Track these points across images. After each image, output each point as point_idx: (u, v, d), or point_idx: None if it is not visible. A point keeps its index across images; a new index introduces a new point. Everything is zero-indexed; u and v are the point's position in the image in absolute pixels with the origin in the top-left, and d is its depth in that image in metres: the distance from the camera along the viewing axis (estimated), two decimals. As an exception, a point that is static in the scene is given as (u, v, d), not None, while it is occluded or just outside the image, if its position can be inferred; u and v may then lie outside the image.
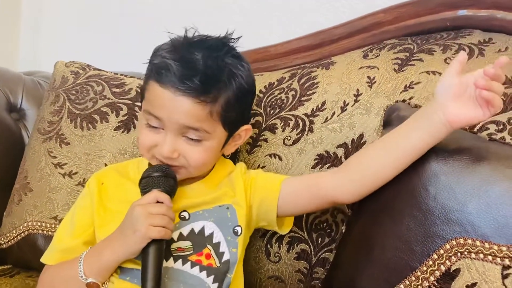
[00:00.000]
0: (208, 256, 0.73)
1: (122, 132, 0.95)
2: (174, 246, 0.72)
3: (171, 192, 0.70)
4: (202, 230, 0.73)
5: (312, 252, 0.83)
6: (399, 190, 0.68)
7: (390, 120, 0.76)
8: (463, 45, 0.86)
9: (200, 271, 0.72)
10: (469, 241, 0.60)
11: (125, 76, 1.03)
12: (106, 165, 0.94)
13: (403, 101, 0.80)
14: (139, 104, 0.96)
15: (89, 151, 0.95)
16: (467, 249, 0.60)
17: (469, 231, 0.60)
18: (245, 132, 0.80)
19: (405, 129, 0.69)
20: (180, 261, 0.71)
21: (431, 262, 0.62)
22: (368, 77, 0.88)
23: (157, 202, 0.68)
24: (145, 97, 0.74)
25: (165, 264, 0.70)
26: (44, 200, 0.95)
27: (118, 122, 0.96)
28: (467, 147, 0.67)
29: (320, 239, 0.83)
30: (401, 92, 0.83)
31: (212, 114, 0.71)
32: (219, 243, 0.74)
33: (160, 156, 0.72)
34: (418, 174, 0.66)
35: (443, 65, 0.83)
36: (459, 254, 0.60)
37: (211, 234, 0.74)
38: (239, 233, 0.75)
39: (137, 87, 0.99)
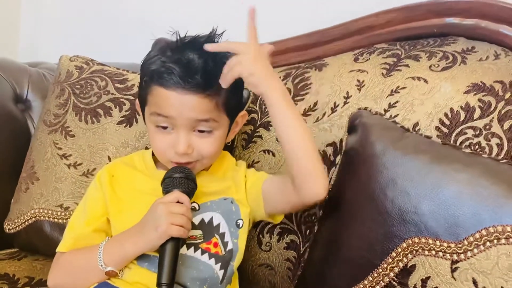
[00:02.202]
0: (215, 245, 0.78)
1: (125, 126, 1.00)
2: None
3: (190, 193, 0.75)
4: (211, 220, 0.79)
5: (301, 243, 0.89)
6: (361, 195, 0.74)
7: (354, 126, 0.81)
8: (448, 52, 0.91)
9: (209, 258, 0.77)
10: (423, 240, 0.66)
11: (127, 71, 1.08)
12: (109, 157, 0.98)
13: (365, 108, 0.86)
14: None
15: (93, 143, 1.00)
16: (421, 247, 0.66)
17: (423, 230, 0.66)
18: (242, 118, 0.86)
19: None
20: (192, 248, 0.77)
21: (390, 260, 0.68)
22: (358, 81, 0.93)
23: (178, 202, 0.73)
24: (149, 102, 0.78)
25: None
26: (50, 189, 0.99)
27: (121, 117, 1.01)
28: (421, 150, 0.72)
29: (308, 231, 0.88)
30: (387, 96, 0.88)
31: (218, 105, 0.76)
32: (224, 233, 0.79)
33: (176, 156, 0.77)
34: (376, 180, 0.72)
35: (427, 71, 0.88)
36: (414, 251, 0.66)
37: (218, 225, 0.79)
38: (240, 226, 0.81)
39: (139, 82, 1.03)
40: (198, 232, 0.78)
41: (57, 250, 0.80)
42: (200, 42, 0.78)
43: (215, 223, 0.79)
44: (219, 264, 0.78)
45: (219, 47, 0.76)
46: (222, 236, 0.79)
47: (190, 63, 0.74)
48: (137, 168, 0.84)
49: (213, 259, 0.78)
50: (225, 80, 0.75)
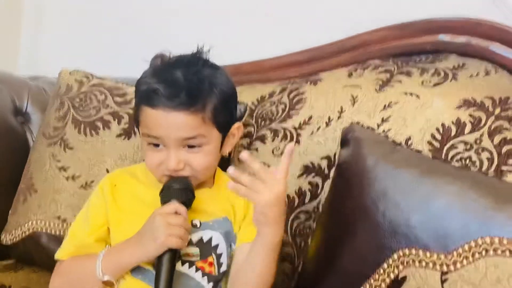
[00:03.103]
0: (210, 264, 0.79)
1: (123, 139, 1.01)
2: (183, 251, 0.78)
3: (188, 204, 0.77)
4: (209, 240, 0.80)
5: (295, 255, 0.90)
6: (353, 207, 0.75)
7: (346, 140, 0.83)
8: (439, 68, 0.93)
9: (202, 276, 0.78)
10: (413, 251, 0.67)
11: (127, 84, 1.09)
12: (107, 170, 0.99)
13: (357, 122, 0.88)
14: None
15: (92, 156, 1.01)
16: (412, 258, 0.67)
17: (413, 242, 0.67)
18: (237, 130, 0.86)
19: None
20: (186, 265, 0.78)
21: (382, 271, 0.69)
22: (352, 95, 0.95)
23: (176, 213, 0.74)
24: (140, 122, 0.80)
25: None
26: (48, 200, 1.00)
27: (120, 130, 1.02)
28: (412, 164, 0.74)
29: (302, 243, 0.89)
30: (380, 111, 0.90)
31: (205, 120, 0.78)
32: (221, 254, 0.80)
33: (168, 172, 0.78)
34: (368, 193, 0.73)
35: (419, 87, 0.90)
36: (405, 263, 0.68)
37: (217, 245, 0.80)
38: (233, 248, 0.82)
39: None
40: (195, 250, 0.78)
41: (56, 256, 0.81)
42: (185, 61, 0.81)
43: (213, 243, 0.80)
44: (211, 284, 0.79)
45: (251, 163, 0.72)
46: (219, 256, 0.80)
47: (175, 82, 0.77)
48: (139, 179, 0.85)
49: (205, 278, 0.79)
50: (235, 189, 0.72)
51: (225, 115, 0.82)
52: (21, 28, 1.62)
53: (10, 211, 1.05)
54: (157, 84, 0.77)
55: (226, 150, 0.86)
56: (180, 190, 0.76)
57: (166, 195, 0.76)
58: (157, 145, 0.79)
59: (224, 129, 0.83)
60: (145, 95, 0.78)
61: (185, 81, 0.77)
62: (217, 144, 0.82)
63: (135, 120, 0.84)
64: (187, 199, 0.77)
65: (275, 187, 0.71)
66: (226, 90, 0.82)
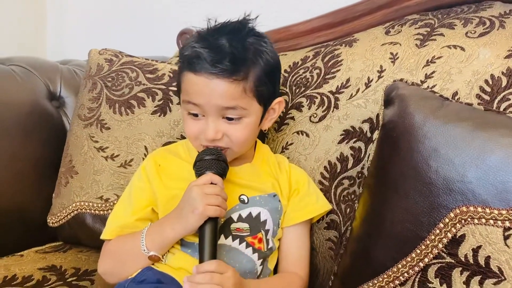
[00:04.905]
0: (260, 240, 0.80)
1: (159, 116, 1.01)
2: (233, 226, 0.78)
3: (223, 174, 0.76)
4: (258, 215, 0.80)
5: (341, 222, 0.88)
6: (403, 168, 0.71)
7: (390, 99, 0.78)
8: (484, 18, 0.88)
9: (253, 252, 0.79)
10: (471, 208, 0.64)
11: (156, 61, 1.08)
12: (145, 147, 0.99)
13: (400, 79, 0.83)
14: (173, 88, 1.01)
15: (129, 134, 1.00)
16: (470, 215, 0.64)
17: (470, 199, 0.64)
18: (278, 105, 0.84)
19: None
20: (237, 240, 0.78)
21: (438, 231, 0.66)
22: (391, 53, 0.91)
23: (211, 183, 0.74)
24: (182, 88, 0.79)
25: (224, 241, 0.77)
26: (89, 181, 1.01)
27: (155, 107, 1.01)
28: (463, 118, 0.70)
29: (348, 210, 0.87)
30: (423, 67, 0.86)
31: (246, 91, 0.76)
32: (268, 230, 0.81)
33: (206, 142, 0.77)
34: (418, 151, 0.69)
35: (464, 39, 0.85)
36: (463, 221, 0.64)
37: (265, 221, 0.80)
38: (279, 226, 0.83)
39: (169, 71, 1.04)
40: (245, 225, 0.79)
41: (101, 237, 0.82)
42: (230, 27, 0.79)
43: (262, 219, 0.80)
44: (261, 260, 0.80)
45: None
46: (266, 232, 0.81)
47: (219, 48, 0.75)
48: (182, 157, 0.84)
49: (256, 254, 0.79)
50: None
51: (267, 87, 0.79)
52: (46, 14, 1.62)
53: (53, 194, 1.07)
54: (201, 49, 0.75)
55: (266, 125, 0.84)
56: (213, 161, 0.75)
57: (199, 167, 0.76)
58: (196, 115, 0.78)
59: (265, 102, 0.80)
60: (188, 60, 0.77)
61: (230, 48, 0.75)
62: (257, 118, 0.80)
63: (177, 87, 0.83)
64: (222, 169, 0.76)
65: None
66: (271, 61, 0.80)
